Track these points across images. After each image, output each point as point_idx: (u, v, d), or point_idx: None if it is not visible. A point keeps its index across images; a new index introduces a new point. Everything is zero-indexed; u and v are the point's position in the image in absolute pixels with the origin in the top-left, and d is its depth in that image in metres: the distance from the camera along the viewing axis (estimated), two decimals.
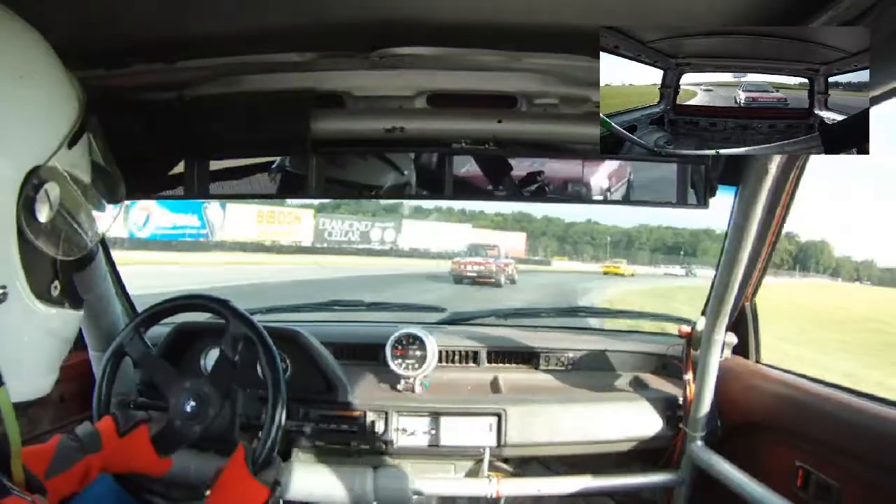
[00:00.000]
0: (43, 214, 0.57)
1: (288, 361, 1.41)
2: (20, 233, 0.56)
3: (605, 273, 24.17)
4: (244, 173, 1.23)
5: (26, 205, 0.55)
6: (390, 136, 1.09)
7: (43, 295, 0.60)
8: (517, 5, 0.77)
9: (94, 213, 0.67)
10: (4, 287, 0.55)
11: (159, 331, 1.35)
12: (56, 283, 0.62)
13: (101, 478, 0.94)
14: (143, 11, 0.79)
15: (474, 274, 12.85)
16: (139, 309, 1.40)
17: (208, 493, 0.89)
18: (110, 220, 0.70)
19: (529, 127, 1.10)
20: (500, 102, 1.09)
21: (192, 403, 1.05)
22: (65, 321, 0.65)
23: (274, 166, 1.23)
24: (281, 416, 1.05)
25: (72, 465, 0.85)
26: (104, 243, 1.39)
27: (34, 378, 0.62)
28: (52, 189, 0.58)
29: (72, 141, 0.60)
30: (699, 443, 1.32)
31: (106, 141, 0.70)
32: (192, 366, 1.42)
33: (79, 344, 1.37)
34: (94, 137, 0.66)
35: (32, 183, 0.56)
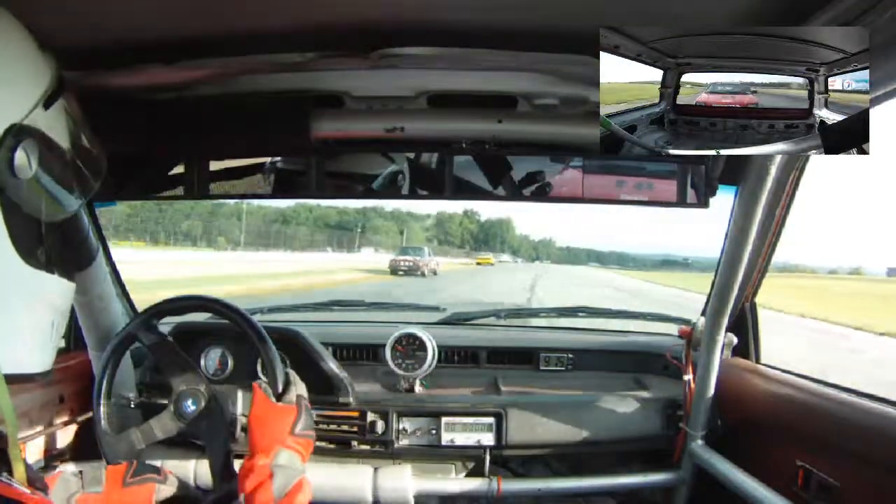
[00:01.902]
0: (23, 172, 0.58)
1: (288, 361, 1.41)
2: (2, 190, 0.57)
3: (479, 264, 29.71)
4: (244, 173, 1.23)
5: (6, 161, 0.57)
6: (390, 137, 1.09)
7: (29, 259, 0.61)
8: (517, 5, 0.77)
9: (75, 181, 0.68)
10: None
11: (160, 330, 1.35)
12: (41, 249, 0.63)
13: None
14: (143, 11, 0.79)
15: (406, 268, 17.84)
16: (139, 309, 1.41)
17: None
18: (91, 191, 0.72)
19: (529, 127, 1.10)
20: (500, 103, 1.09)
21: (192, 406, 1.06)
22: (53, 289, 0.66)
23: (273, 166, 1.23)
24: (275, 353, 1.05)
25: (67, 500, 0.85)
26: (104, 243, 1.39)
27: (24, 349, 0.62)
28: (31, 147, 0.59)
29: (47, 102, 0.62)
30: (700, 442, 1.32)
31: (87, 118, 0.71)
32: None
33: (79, 344, 1.37)
34: (70, 109, 0.68)
35: (10, 139, 0.57)
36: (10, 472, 0.58)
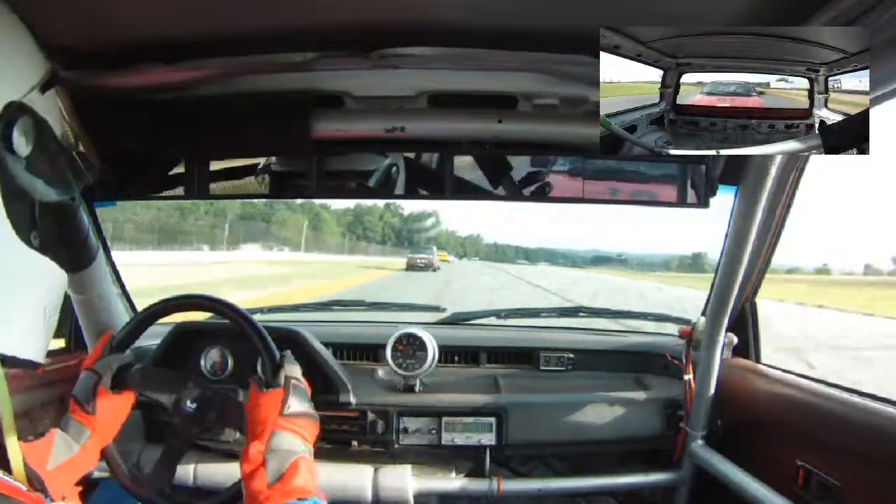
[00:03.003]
0: (20, 148, 0.60)
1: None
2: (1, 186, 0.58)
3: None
4: (244, 173, 1.23)
5: (4, 138, 0.58)
6: (390, 137, 1.09)
7: (24, 239, 0.62)
8: (517, 5, 0.78)
9: (69, 170, 0.70)
10: None
11: (160, 330, 1.35)
12: (35, 232, 0.64)
13: (106, 484, 0.93)
14: (143, 11, 0.79)
15: (422, 265, 20.29)
16: (139, 309, 1.40)
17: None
18: (85, 181, 0.73)
19: (530, 127, 1.10)
20: (500, 102, 1.09)
21: (192, 404, 1.05)
22: (46, 274, 0.67)
23: (273, 167, 1.23)
24: (270, 343, 1.04)
25: (72, 454, 0.88)
26: (104, 243, 1.39)
27: (14, 333, 0.63)
28: (28, 124, 0.60)
29: (44, 87, 0.64)
30: (700, 442, 1.32)
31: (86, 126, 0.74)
32: (193, 366, 1.42)
33: (79, 344, 1.37)
34: (70, 108, 0.70)
35: (8, 116, 0.58)
36: (10, 471, 0.58)
